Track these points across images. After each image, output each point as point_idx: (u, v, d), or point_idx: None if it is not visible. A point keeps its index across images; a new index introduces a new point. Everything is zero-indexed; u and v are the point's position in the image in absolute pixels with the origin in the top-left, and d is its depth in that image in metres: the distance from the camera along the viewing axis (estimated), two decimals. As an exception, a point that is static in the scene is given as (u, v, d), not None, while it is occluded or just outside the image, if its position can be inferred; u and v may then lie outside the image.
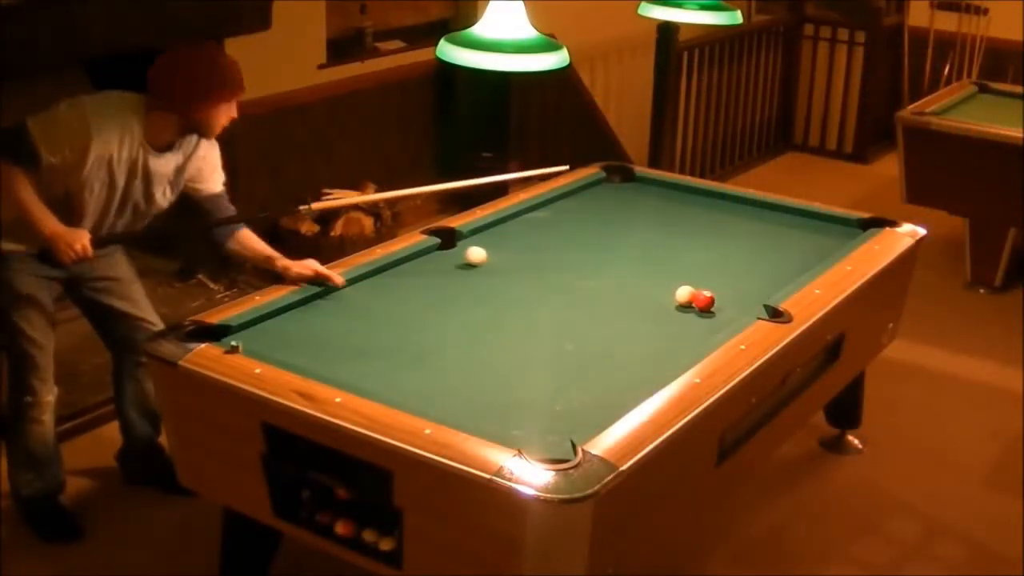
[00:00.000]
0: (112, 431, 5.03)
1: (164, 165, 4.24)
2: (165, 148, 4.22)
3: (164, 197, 4.35)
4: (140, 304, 4.61)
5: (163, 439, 4.43)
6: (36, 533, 4.53)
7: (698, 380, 3.58)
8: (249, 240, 4.38)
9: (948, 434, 5.51)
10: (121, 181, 4.17)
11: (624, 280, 4.53)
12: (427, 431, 3.20)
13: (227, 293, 6.26)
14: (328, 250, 6.23)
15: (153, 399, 4.63)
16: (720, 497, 4.17)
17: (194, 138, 4.28)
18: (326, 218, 6.68)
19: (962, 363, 6.17)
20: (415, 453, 3.15)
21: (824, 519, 4.83)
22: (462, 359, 3.86)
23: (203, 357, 3.63)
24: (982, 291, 7.06)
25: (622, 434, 3.26)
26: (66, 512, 4.61)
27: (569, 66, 4.05)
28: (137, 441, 4.81)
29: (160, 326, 4.51)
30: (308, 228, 6.67)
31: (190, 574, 4.36)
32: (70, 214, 4.14)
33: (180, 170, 4.32)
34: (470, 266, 4.49)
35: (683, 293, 4.23)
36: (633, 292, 4.41)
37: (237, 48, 6.12)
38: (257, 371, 3.52)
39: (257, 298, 4.09)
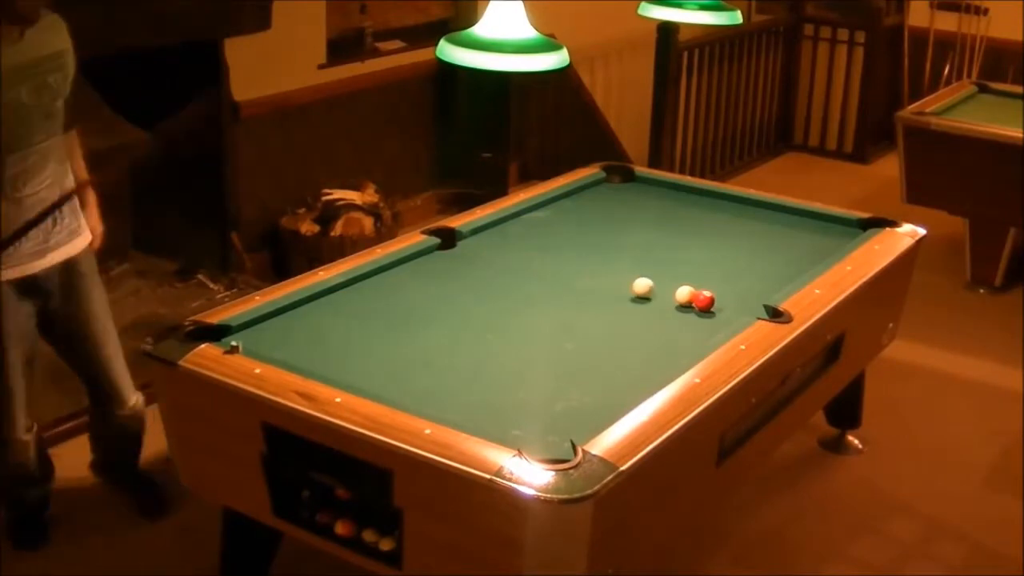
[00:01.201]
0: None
1: (45, 46, 4.12)
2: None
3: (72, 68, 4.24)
4: (115, 350, 4.51)
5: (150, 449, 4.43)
6: (8, 535, 4.51)
7: (698, 380, 3.58)
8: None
9: (948, 434, 5.51)
10: (40, 80, 4.07)
11: (624, 280, 4.51)
12: (427, 431, 3.20)
13: (227, 293, 6.26)
14: (328, 250, 6.24)
15: (133, 438, 4.65)
16: (720, 497, 4.16)
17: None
18: (326, 218, 6.68)
19: (962, 363, 6.17)
20: (415, 453, 3.15)
21: (824, 519, 4.83)
22: (462, 359, 3.85)
23: (203, 357, 3.63)
24: (982, 291, 7.06)
25: (622, 434, 3.26)
26: (40, 526, 4.57)
27: (569, 66, 4.05)
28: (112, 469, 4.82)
29: (125, 376, 4.54)
30: (308, 228, 6.67)
31: (190, 574, 4.36)
32: (15, 127, 4.01)
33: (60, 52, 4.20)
34: (640, 299, 4.33)
35: (683, 293, 4.23)
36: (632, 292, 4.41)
37: (237, 48, 6.15)
38: (257, 371, 3.52)
39: (257, 298, 4.09)
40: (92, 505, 4.75)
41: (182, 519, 4.60)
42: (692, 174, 8.57)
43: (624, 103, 8.87)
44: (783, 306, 4.11)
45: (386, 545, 3.41)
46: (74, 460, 4.90)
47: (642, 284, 4.31)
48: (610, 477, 3.06)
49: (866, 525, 4.78)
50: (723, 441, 3.77)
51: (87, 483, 4.86)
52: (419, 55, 7.42)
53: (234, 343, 3.65)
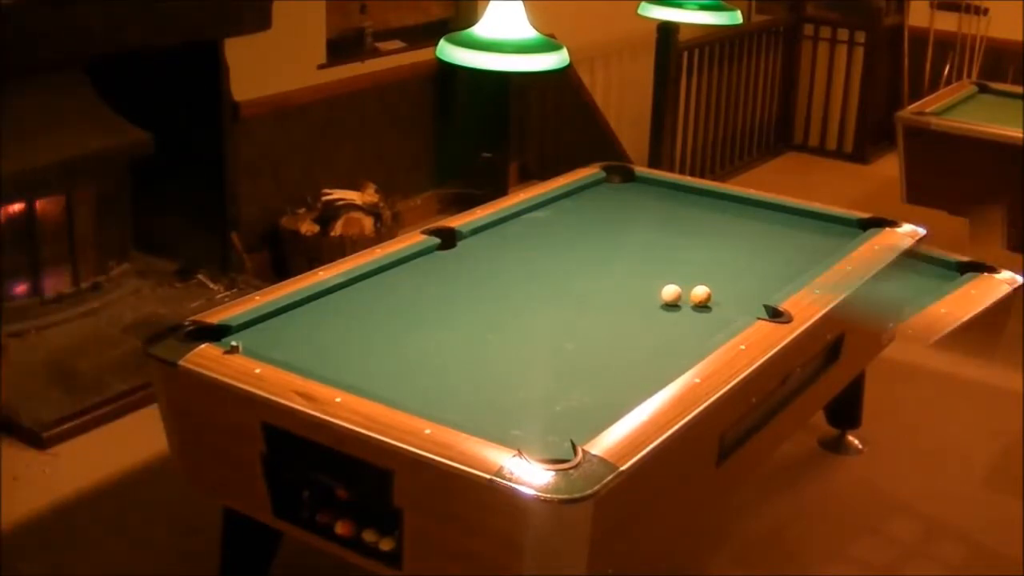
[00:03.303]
0: (111, 432, 5.05)
1: None
2: None
3: None
4: None
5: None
6: None
7: (698, 380, 3.58)
8: None
9: (948, 434, 5.51)
10: None
11: (624, 280, 4.52)
12: (427, 431, 3.19)
13: (227, 293, 6.26)
14: (328, 250, 6.25)
15: None
16: (720, 497, 4.16)
17: None
18: (326, 218, 6.69)
19: (962, 363, 6.16)
20: (415, 453, 3.14)
21: (824, 519, 4.83)
22: (462, 359, 3.85)
23: (203, 357, 3.62)
24: (982, 291, 7.05)
25: (622, 434, 3.25)
26: None
27: (569, 66, 4.05)
28: None
29: None
30: (308, 228, 6.67)
31: (191, 574, 4.36)
32: None
33: None
34: (669, 306, 4.27)
35: (669, 292, 4.21)
36: (633, 292, 4.40)
37: (237, 48, 6.15)
38: (257, 371, 3.52)
39: (257, 298, 4.08)
40: (91, 505, 4.76)
41: (183, 519, 4.59)
42: (692, 174, 8.58)
43: (624, 103, 8.87)
44: (783, 306, 4.10)
45: (386, 545, 3.40)
46: (74, 460, 4.91)
47: (670, 291, 4.25)
48: (610, 477, 3.06)
49: (866, 525, 4.79)
50: (723, 441, 3.77)
51: (85, 485, 4.87)
52: (419, 55, 7.43)
53: (234, 343, 3.64)
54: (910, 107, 7.35)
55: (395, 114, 7.51)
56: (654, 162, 6.94)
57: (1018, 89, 7.87)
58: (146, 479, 4.92)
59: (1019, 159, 6.62)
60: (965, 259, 5.06)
